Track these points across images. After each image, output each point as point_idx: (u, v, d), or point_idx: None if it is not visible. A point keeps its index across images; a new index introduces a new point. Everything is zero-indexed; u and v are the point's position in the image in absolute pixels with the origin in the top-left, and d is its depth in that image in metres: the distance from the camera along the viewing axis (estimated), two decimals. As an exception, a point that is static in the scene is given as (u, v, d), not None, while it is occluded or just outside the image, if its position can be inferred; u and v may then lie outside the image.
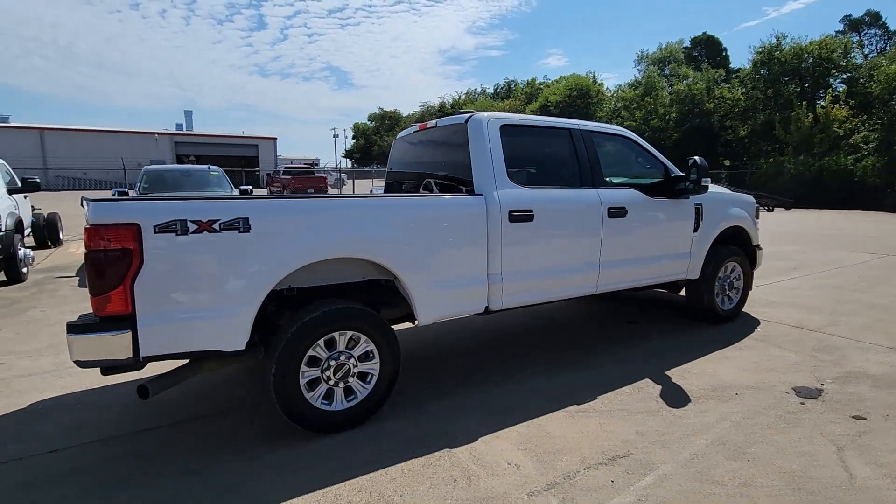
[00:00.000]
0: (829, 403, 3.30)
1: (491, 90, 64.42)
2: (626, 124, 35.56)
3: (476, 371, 3.92)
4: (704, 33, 44.12)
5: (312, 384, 2.91)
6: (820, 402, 3.32)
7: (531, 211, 3.57)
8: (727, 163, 34.06)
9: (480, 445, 2.85)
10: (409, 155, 4.45)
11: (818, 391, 3.48)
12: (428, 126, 4.12)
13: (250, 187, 10.63)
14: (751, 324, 5.05)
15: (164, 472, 2.60)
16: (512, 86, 60.59)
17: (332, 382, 2.94)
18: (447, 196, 3.37)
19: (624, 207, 4.08)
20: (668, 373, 3.85)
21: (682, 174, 4.36)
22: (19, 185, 8.68)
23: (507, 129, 3.66)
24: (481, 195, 3.44)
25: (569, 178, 3.93)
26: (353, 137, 71.67)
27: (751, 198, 5.37)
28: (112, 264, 2.36)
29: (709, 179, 4.23)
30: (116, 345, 2.40)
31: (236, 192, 9.66)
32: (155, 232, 2.42)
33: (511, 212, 3.48)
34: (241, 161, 46.48)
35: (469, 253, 3.37)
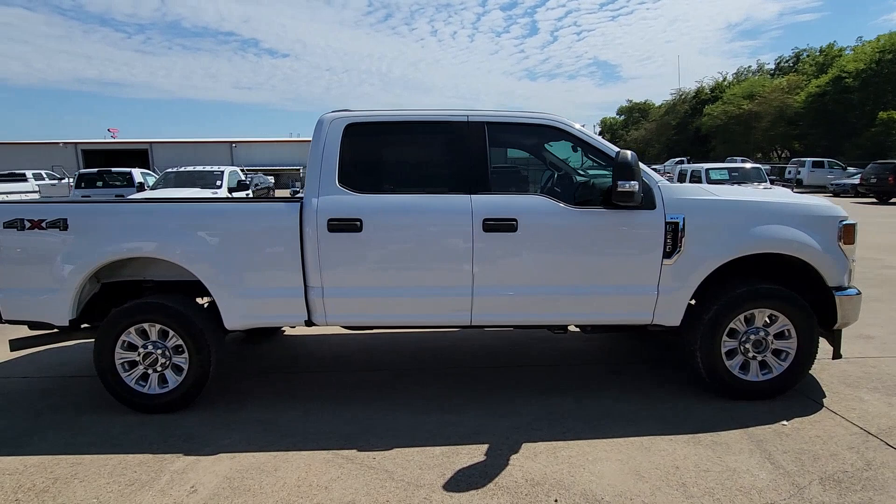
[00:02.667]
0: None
1: (772, 65, 52.68)
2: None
3: (344, 389, 3.68)
4: None
5: (131, 365, 3.33)
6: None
7: (358, 220, 3.14)
8: None
9: (205, 462, 2.76)
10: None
11: (689, 542, 2.05)
12: None
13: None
14: (794, 408, 3.16)
15: (31, 410, 3.43)
16: (803, 56, 48.16)
17: (142, 368, 3.30)
18: (255, 203, 3.28)
19: (513, 220, 3.13)
20: (527, 444, 2.85)
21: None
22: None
23: (354, 129, 3.29)
24: (298, 202, 3.22)
25: (430, 182, 3.25)
26: (599, 133, 69.56)
27: (834, 209, 3.28)
28: (-21, 250, 3.25)
29: (633, 184, 2.83)
30: (-14, 309, 3.30)
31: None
32: (4, 227, 3.21)
33: (330, 220, 3.15)
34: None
35: (280, 262, 3.21)
